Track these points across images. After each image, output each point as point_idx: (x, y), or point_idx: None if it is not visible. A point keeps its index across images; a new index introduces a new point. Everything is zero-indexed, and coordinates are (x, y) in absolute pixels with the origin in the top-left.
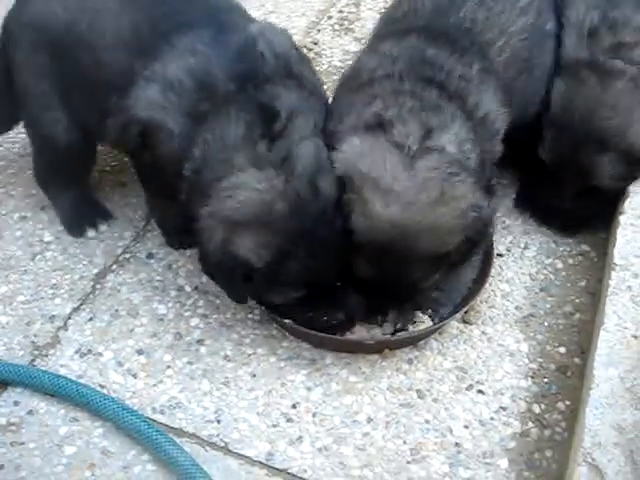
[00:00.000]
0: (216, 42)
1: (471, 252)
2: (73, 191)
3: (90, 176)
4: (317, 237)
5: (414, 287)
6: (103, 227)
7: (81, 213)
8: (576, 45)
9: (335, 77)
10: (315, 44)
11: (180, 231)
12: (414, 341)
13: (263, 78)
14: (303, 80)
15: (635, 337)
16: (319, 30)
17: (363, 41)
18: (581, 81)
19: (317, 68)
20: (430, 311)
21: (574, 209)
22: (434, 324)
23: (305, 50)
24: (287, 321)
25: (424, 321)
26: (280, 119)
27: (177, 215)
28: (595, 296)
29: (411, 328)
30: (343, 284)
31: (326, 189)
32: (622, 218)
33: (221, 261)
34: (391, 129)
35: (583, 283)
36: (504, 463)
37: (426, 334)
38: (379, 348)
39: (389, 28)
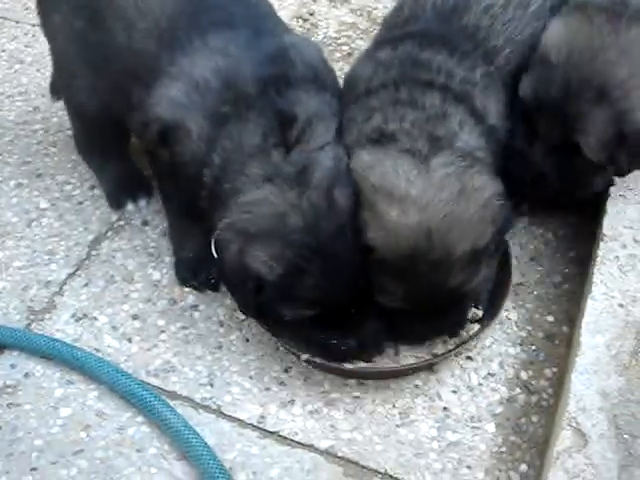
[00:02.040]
0: (250, 46)
1: (501, 244)
2: (114, 163)
3: (127, 148)
4: (332, 253)
5: (458, 295)
6: (142, 202)
7: (121, 186)
8: None
9: (330, 48)
10: (311, 15)
11: (195, 267)
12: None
13: (287, 83)
14: (326, 85)
15: (621, 306)
16: (315, 0)
17: (359, 12)
18: (587, 18)
19: (312, 39)
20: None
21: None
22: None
23: (301, 21)
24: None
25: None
26: (297, 125)
27: (198, 244)
28: (584, 266)
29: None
30: (359, 310)
31: (343, 202)
32: (612, 189)
33: (235, 272)
34: (396, 141)
35: (572, 253)
36: (491, 427)
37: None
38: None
39: (388, 34)
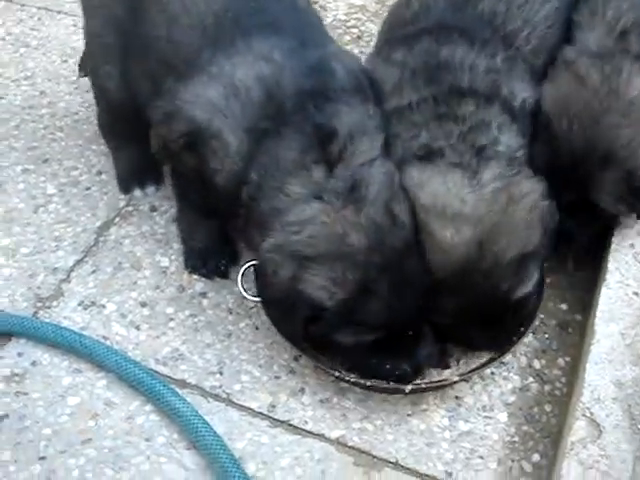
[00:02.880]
0: (294, 55)
1: (549, 244)
2: (131, 148)
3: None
4: (400, 270)
5: (512, 302)
6: (150, 189)
7: (133, 171)
8: (601, 40)
9: (339, 31)
10: None
11: (205, 256)
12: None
13: (326, 97)
14: (369, 97)
15: (636, 294)
16: None
17: None
18: (579, 81)
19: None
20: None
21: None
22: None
23: None
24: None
25: None
26: (338, 140)
27: (208, 236)
28: (598, 253)
29: None
30: (415, 333)
31: (404, 216)
32: None
33: (285, 297)
34: (444, 156)
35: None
36: (503, 417)
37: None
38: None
39: (400, 31)
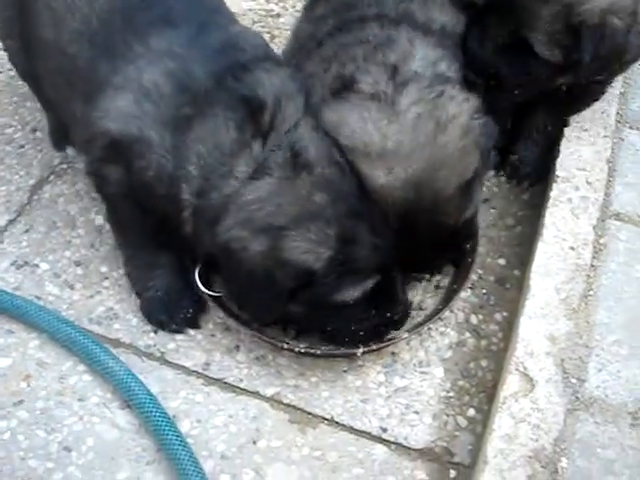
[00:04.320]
0: (194, 43)
1: (487, 163)
2: (51, 111)
3: None
4: (367, 212)
5: (456, 229)
6: (70, 152)
7: (64, 128)
8: None
9: None
10: None
11: (168, 306)
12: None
13: (242, 68)
14: (281, 61)
15: (573, 249)
16: None
17: None
18: None
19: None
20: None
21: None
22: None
23: None
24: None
25: None
26: (267, 109)
27: (166, 279)
28: (537, 209)
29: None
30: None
31: (345, 164)
32: (567, 130)
33: (261, 271)
34: (358, 85)
35: (526, 196)
36: (439, 372)
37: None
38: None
39: None
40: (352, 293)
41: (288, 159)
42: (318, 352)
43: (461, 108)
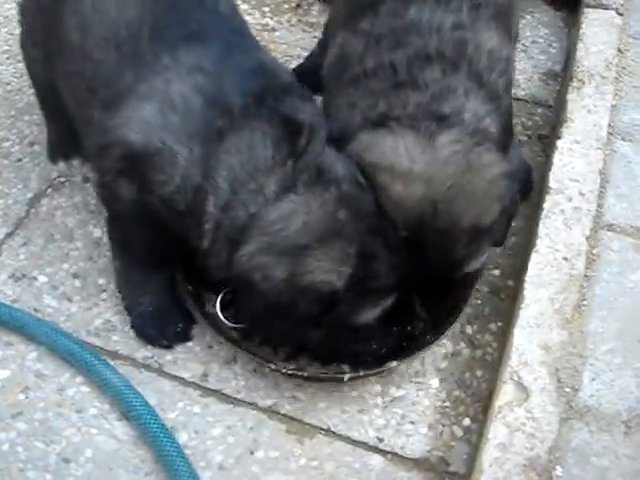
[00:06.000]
0: (224, 61)
1: (508, 228)
2: (58, 120)
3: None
4: (387, 231)
5: (461, 273)
6: (75, 162)
7: (60, 142)
8: None
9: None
10: None
11: (159, 321)
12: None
13: (281, 90)
14: (307, 95)
15: (566, 259)
16: None
17: None
18: None
19: None
20: None
21: None
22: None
23: None
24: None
25: None
26: (305, 132)
27: (157, 294)
28: (531, 220)
29: None
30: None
31: (365, 182)
32: (559, 142)
33: (285, 300)
34: (399, 122)
35: (520, 207)
36: (435, 382)
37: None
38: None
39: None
40: (374, 312)
41: (313, 176)
42: (305, 374)
43: (494, 162)
